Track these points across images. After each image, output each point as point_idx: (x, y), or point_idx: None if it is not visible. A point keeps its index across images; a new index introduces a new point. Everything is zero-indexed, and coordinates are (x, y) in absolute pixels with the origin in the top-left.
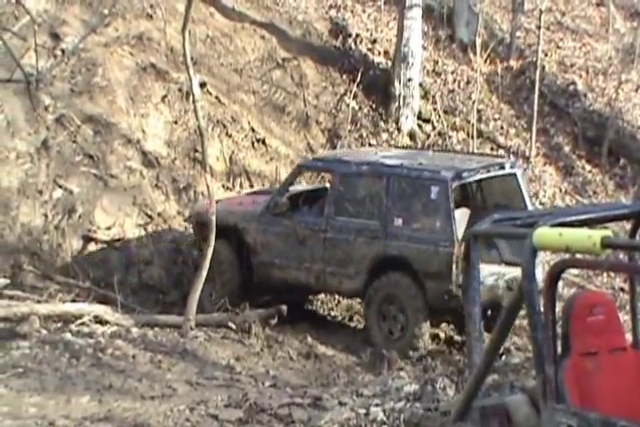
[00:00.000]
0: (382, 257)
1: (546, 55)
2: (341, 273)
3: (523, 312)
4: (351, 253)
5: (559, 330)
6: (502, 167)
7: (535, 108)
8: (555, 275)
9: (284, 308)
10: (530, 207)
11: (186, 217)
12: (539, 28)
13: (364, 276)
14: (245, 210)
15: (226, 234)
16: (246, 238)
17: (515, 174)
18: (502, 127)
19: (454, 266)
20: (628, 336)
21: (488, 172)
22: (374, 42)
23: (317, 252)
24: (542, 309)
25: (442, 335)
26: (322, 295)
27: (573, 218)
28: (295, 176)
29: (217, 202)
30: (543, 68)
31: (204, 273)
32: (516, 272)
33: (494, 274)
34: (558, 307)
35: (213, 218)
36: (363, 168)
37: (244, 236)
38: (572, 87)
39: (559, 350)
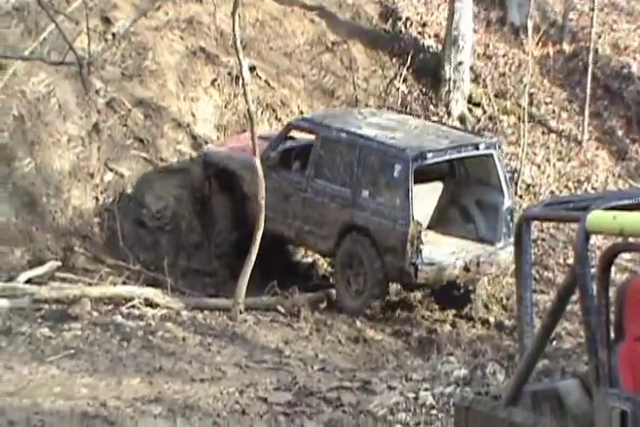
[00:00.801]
0: (350, 225)
1: (599, 37)
2: (317, 233)
3: (574, 297)
4: (325, 216)
5: (612, 315)
6: (476, 148)
7: (588, 91)
8: (608, 259)
9: (334, 292)
10: (505, 189)
11: (195, 157)
12: (592, 9)
13: (335, 238)
14: (245, 158)
15: (226, 179)
16: (243, 186)
17: (491, 155)
18: (554, 111)
19: (408, 245)
20: None
21: (459, 152)
22: (424, 25)
23: (298, 209)
24: (595, 293)
25: (492, 320)
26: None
27: (627, 201)
28: (286, 132)
29: (223, 144)
30: (596, 50)
31: (254, 257)
32: (475, 253)
33: (453, 253)
34: (611, 291)
35: (262, 202)
36: (341, 135)
37: (241, 183)
38: (625, 70)
39: (612, 334)
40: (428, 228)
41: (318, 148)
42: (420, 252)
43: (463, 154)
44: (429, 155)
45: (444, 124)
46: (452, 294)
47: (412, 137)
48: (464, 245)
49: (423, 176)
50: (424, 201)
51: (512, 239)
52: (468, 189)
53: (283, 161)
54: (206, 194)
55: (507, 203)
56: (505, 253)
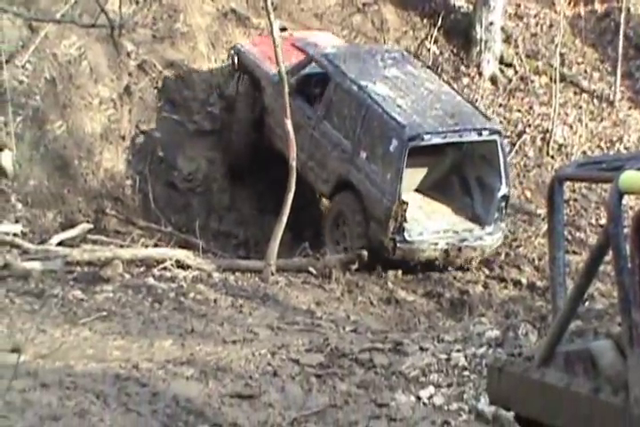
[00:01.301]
0: (345, 180)
1: None
2: (318, 173)
3: (607, 257)
4: (326, 161)
5: None
6: (479, 134)
7: (620, 51)
8: None
9: (365, 253)
10: (504, 176)
11: (230, 48)
12: None
13: (333, 185)
14: (270, 70)
15: (252, 83)
16: (264, 97)
17: (494, 141)
18: (586, 71)
19: (391, 220)
20: None
21: (460, 137)
22: None
23: (305, 144)
24: (628, 253)
25: (524, 281)
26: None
27: None
28: (306, 63)
29: (256, 45)
30: (628, 10)
31: (284, 219)
32: (460, 236)
33: (438, 233)
34: None
35: (294, 164)
36: (352, 88)
37: (263, 94)
38: None
39: None
40: (427, 193)
41: (331, 91)
42: (403, 229)
43: (464, 138)
44: (427, 136)
45: (461, 93)
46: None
47: (418, 108)
48: (454, 223)
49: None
50: (425, 165)
51: (503, 225)
52: (471, 164)
53: (301, 86)
54: (234, 91)
55: (503, 190)
56: (492, 240)
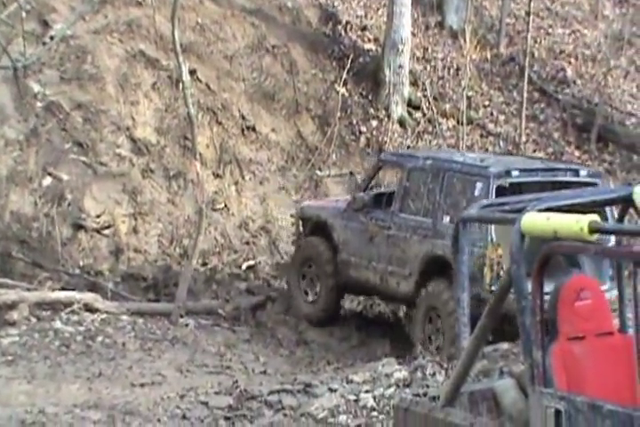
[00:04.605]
0: (430, 257)
1: (535, 42)
2: (398, 273)
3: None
4: (407, 252)
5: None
6: (576, 174)
7: (524, 94)
8: (543, 260)
9: (274, 295)
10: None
11: (292, 213)
12: (528, 14)
13: (416, 277)
14: (335, 206)
15: (320, 230)
16: (333, 235)
17: (595, 184)
18: (492, 114)
19: (486, 269)
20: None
21: (553, 176)
22: (364, 29)
23: (382, 250)
24: (530, 293)
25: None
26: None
27: (561, 203)
28: (375, 170)
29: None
30: (533, 54)
31: (194, 262)
32: None
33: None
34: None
35: (203, 206)
36: (426, 163)
37: (331, 232)
38: (561, 74)
39: (547, 334)
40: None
41: (404, 180)
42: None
43: (559, 178)
44: (515, 172)
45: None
46: None
47: (503, 161)
48: None
49: None
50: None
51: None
52: None
53: (373, 203)
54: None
55: (612, 240)
56: (609, 295)
